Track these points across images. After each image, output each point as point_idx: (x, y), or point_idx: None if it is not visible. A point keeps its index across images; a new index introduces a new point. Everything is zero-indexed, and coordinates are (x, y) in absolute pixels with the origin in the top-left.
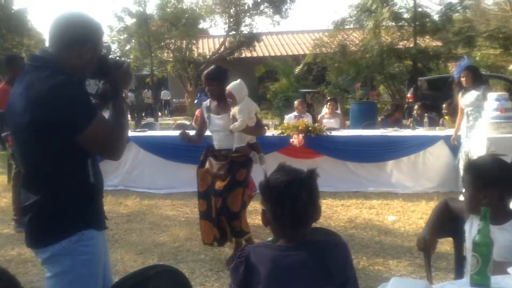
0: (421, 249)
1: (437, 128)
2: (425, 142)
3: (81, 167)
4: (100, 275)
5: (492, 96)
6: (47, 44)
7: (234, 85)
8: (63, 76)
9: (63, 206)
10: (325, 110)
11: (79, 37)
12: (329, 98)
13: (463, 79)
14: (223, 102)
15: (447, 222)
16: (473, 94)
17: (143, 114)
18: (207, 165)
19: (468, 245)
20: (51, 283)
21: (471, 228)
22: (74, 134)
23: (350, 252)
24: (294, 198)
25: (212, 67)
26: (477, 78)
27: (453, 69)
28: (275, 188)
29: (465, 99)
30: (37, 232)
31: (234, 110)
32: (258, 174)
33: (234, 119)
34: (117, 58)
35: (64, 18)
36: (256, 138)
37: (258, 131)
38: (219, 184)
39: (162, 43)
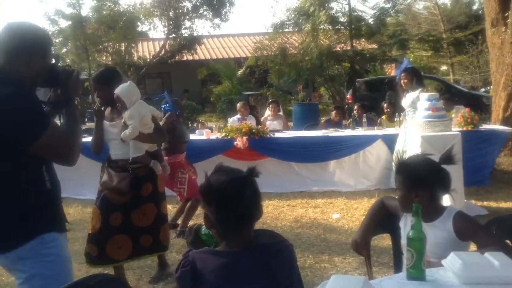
0: (354, 250)
1: (375, 128)
2: (364, 142)
3: (37, 175)
4: (70, 275)
5: (423, 96)
6: None
7: (121, 87)
8: (9, 87)
9: (22, 212)
10: (268, 112)
11: (27, 47)
12: (270, 100)
13: (402, 81)
14: (117, 107)
15: (383, 219)
16: (410, 96)
17: (85, 120)
18: (104, 177)
19: (403, 241)
20: None
21: (406, 225)
22: (28, 145)
23: (295, 253)
24: (237, 197)
25: (101, 69)
26: (417, 79)
27: (390, 71)
28: (217, 188)
29: (405, 100)
30: None
31: (124, 115)
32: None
33: (126, 126)
34: (66, 66)
35: (10, 28)
36: (180, 143)
37: (155, 138)
38: (118, 199)
39: (100, 46)
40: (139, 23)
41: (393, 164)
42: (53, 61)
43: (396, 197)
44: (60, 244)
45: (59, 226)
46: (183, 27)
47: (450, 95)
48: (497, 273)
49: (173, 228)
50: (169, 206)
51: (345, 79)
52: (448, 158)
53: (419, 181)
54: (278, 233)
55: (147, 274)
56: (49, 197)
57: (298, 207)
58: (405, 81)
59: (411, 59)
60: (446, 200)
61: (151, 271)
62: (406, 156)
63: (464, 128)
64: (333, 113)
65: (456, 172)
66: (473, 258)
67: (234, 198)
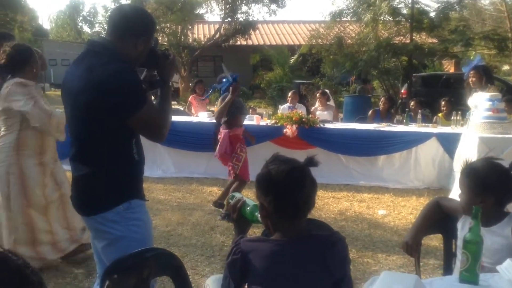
0: (405, 251)
1: (430, 125)
2: (417, 139)
3: (127, 146)
4: (151, 239)
5: (485, 96)
6: (39, 21)
7: None
8: (120, 64)
9: (113, 178)
10: (317, 103)
11: (135, 29)
12: (320, 91)
13: (470, 79)
14: None
15: (438, 220)
16: (478, 95)
17: None
18: None
19: (459, 242)
20: (108, 251)
21: (463, 226)
22: (127, 117)
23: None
24: (298, 187)
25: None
26: (487, 78)
27: (450, 67)
28: (277, 178)
29: (471, 100)
30: (90, 200)
31: None
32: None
33: None
34: (165, 50)
35: (122, 10)
36: (239, 116)
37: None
38: None
39: (158, 27)
40: (196, 6)
41: (455, 165)
42: (153, 44)
43: (451, 196)
44: (144, 210)
45: (143, 194)
46: (240, 11)
47: None
48: None
49: (219, 206)
50: (214, 188)
51: (401, 73)
52: None
53: (487, 186)
54: (329, 224)
55: (191, 252)
56: (136, 168)
57: (343, 199)
58: (474, 79)
59: (472, 57)
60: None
61: (195, 250)
62: (470, 158)
63: None
64: (381, 101)
65: None
66: None
67: (294, 188)
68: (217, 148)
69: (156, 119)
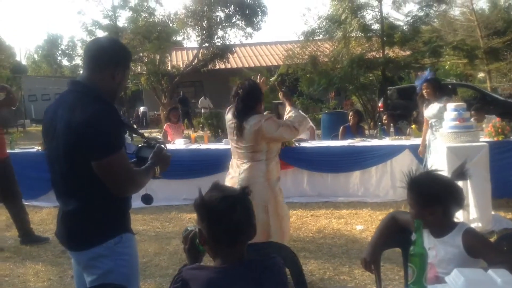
0: (363, 268)
1: (403, 137)
2: (391, 152)
3: None
4: (138, 274)
5: (450, 106)
6: (17, 57)
7: None
8: (101, 105)
9: (103, 213)
10: None
11: (111, 60)
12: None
13: (424, 91)
14: None
15: (395, 234)
16: (435, 106)
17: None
18: None
19: None
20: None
21: None
22: (92, 159)
23: (301, 266)
24: (228, 213)
25: None
26: (439, 89)
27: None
28: (210, 204)
29: (428, 111)
30: (81, 235)
31: None
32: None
33: None
34: (152, 141)
35: (97, 42)
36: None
37: None
38: None
39: (135, 56)
40: (173, 34)
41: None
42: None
43: (408, 211)
44: (133, 245)
45: (131, 229)
46: (216, 36)
47: (485, 104)
48: None
49: None
50: (193, 215)
51: (377, 87)
52: (460, 174)
53: (433, 199)
54: (287, 246)
55: (167, 282)
56: (126, 202)
57: (322, 217)
58: (428, 90)
59: (447, 67)
60: (472, 213)
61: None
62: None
63: (495, 139)
64: (350, 116)
65: (482, 184)
66: (476, 275)
67: (225, 213)
68: None
69: (125, 171)
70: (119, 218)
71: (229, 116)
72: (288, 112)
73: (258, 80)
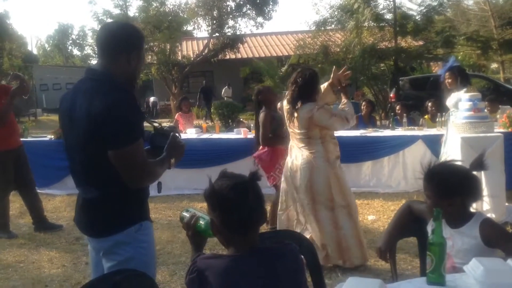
0: (378, 257)
1: (416, 128)
2: (403, 142)
3: None
4: (155, 262)
5: (465, 96)
6: (28, 47)
7: None
8: (121, 92)
9: (124, 200)
10: None
11: (125, 45)
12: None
13: (446, 81)
14: None
15: (410, 223)
16: (455, 96)
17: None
18: None
19: None
20: None
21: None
22: (109, 148)
23: (317, 254)
24: (240, 201)
25: None
26: (462, 79)
27: (436, 69)
28: (221, 193)
29: (449, 100)
30: (102, 222)
31: None
32: None
33: None
34: (165, 129)
35: (108, 29)
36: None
37: None
38: None
39: (146, 46)
40: (184, 23)
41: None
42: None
43: (423, 200)
44: (152, 232)
45: (149, 217)
46: (227, 26)
47: (499, 94)
48: None
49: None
50: (205, 204)
51: (389, 78)
52: (479, 164)
53: (451, 190)
54: (302, 235)
55: (180, 269)
56: (145, 190)
57: None
58: (450, 80)
59: (459, 57)
60: (486, 204)
61: (185, 267)
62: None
63: (509, 130)
64: (363, 106)
65: (497, 175)
66: (495, 265)
67: (237, 202)
68: (260, 152)
69: (141, 162)
70: (139, 206)
71: (285, 102)
72: (343, 104)
73: (339, 73)
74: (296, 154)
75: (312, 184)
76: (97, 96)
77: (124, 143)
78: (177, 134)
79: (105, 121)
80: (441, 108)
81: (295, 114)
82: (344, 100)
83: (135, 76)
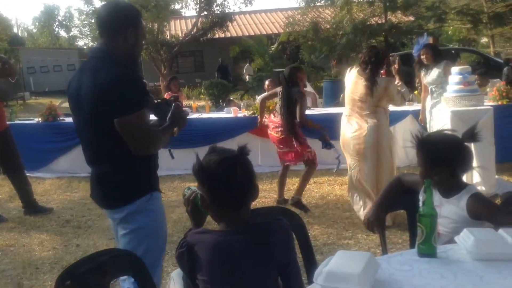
0: (366, 228)
1: (406, 103)
2: (394, 118)
3: None
4: (166, 230)
5: (455, 70)
6: (14, 29)
7: None
8: (121, 68)
9: (134, 173)
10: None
11: (120, 22)
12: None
13: (423, 57)
14: None
15: (400, 195)
16: (434, 72)
17: None
18: None
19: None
20: (128, 239)
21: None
22: (114, 116)
23: (307, 230)
24: (229, 176)
25: None
26: (437, 55)
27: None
28: (208, 169)
29: (428, 77)
30: (115, 195)
31: None
32: None
33: None
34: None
35: (104, 8)
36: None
37: None
38: None
39: None
40: (171, 2)
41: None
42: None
43: (414, 173)
44: (160, 202)
45: (159, 188)
46: (215, 4)
47: (489, 68)
48: (510, 249)
49: (300, 207)
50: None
51: None
52: (471, 135)
53: (440, 159)
54: (292, 210)
55: (172, 248)
56: (154, 161)
57: (325, 184)
58: (426, 56)
59: (450, 32)
60: (476, 177)
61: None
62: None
63: (499, 103)
64: None
65: (487, 148)
66: (486, 235)
67: (225, 177)
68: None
69: (142, 131)
70: (148, 177)
71: (351, 76)
72: (399, 86)
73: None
74: (360, 122)
75: (379, 145)
76: (102, 71)
77: (129, 110)
78: (179, 104)
79: (109, 91)
80: (411, 85)
81: (375, 87)
82: (399, 82)
83: (134, 52)
